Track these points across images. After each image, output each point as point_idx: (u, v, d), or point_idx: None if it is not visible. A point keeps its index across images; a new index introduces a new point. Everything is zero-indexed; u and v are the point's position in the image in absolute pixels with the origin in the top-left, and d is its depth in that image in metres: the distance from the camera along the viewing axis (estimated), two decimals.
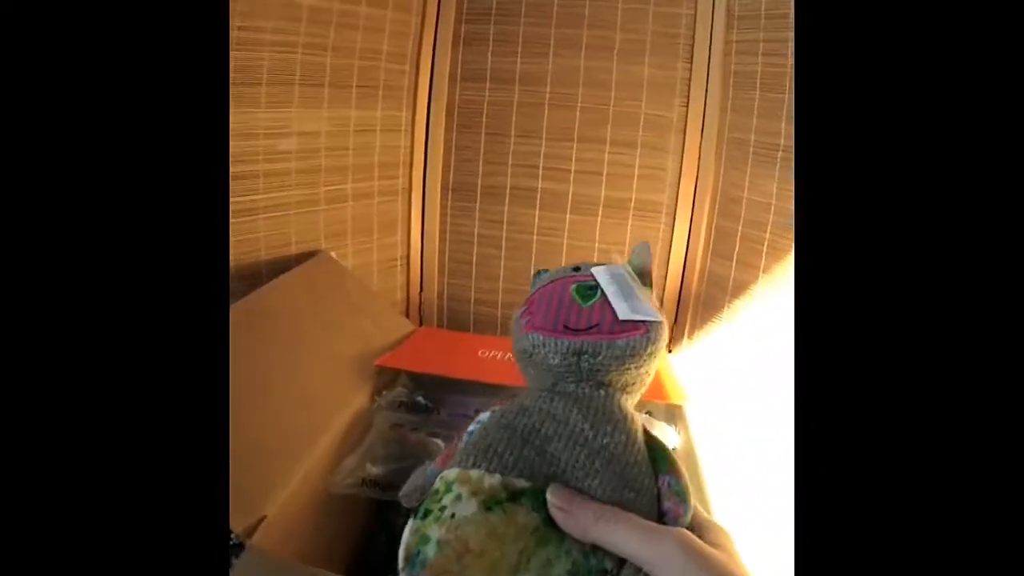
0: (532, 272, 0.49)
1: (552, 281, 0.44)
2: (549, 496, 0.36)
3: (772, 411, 0.76)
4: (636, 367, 0.40)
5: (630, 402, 0.42)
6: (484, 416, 0.43)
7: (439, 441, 0.74)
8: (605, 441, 0.38)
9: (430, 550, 0.35)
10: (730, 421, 0.78)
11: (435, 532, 0.36)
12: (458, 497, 0.37)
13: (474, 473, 0.37)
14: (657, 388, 0.79)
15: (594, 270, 0.43)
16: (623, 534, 0.35)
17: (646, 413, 0.81)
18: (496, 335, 1.03)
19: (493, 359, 0.84)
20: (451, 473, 0.38)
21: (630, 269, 0.45)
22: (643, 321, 0.41)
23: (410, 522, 0.38)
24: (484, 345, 0.88)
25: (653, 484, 0.39)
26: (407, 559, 0.36)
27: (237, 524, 0.54)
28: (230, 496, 0.54)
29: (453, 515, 0.36)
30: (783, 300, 0.88)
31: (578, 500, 0.36)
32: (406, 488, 0.42)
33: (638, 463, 0.39)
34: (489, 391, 0.79)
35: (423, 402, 0.80)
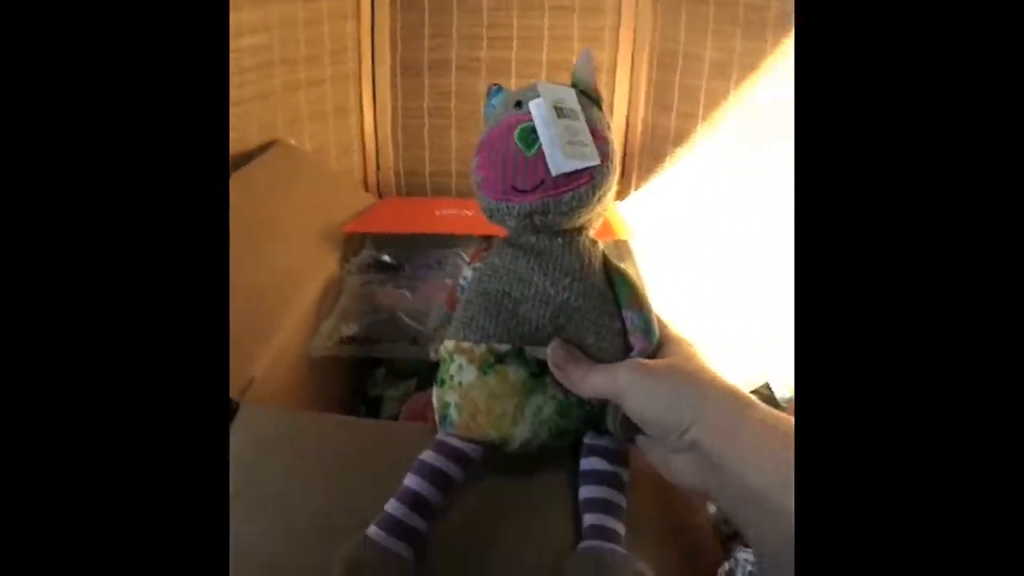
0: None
1: (498, 122, 0.44)
2: (549, 353, 0.42)
3: (709, 250, 0.82)
4: (588, 212, 0.43)
5: (589, 234, 0.46)
6: (469, 273, 0.48)
7: (406, 292, 0.79)
8: (566, 296, 0.43)
9: (453, 413, 0.44)
10: (673, 255, 0.85)
11: (452, 398, 0.44)
12: (460, 367, 0.44)
13: (465, 344, 0.44)
14: (604, 227, 0.84)
15: (531, 105, 0.43)
16: (593, 383, 0.41)
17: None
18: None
19: (451, 216, 0.90)
20: (449, 344, 0.45)
21: (573, 92, 0.45)
22: (586, 168, 0.42)
23: (434, 389, 0.46)
24: (442, 206, 0.93)
25: (615, 320, 0.44)
26: (440, 420, 0.45)
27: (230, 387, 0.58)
28: None
29: (460, 383, 0.44)
30: (716, 145, 0.94)
31: (572, 361, 0.42)
32: (431, 324, 0.52)
33: (597, 308, 0.44)
34: (449, 243, 0.85)
35: (389, 261, 0.85)
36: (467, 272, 0.49)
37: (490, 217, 0.45)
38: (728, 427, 0.36)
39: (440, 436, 0.44)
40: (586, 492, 0.42)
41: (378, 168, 1.15)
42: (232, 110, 0.95)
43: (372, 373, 0.83)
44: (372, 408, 0.80)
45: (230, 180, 0.86)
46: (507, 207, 0.43)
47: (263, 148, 0.98)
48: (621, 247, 0.84)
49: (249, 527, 0.44)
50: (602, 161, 0.42)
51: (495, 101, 0.48)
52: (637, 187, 1.05)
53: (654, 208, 0.96)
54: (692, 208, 0.94)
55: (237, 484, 0.46)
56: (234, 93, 0.95)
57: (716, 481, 0.37)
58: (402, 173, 1.15)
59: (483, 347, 0.43)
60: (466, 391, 0.43)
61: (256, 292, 0.71)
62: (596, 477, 0.43)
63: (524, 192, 0.42)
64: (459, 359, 0.44)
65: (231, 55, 0.94)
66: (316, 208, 0.92)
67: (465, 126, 1.10)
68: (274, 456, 0.50)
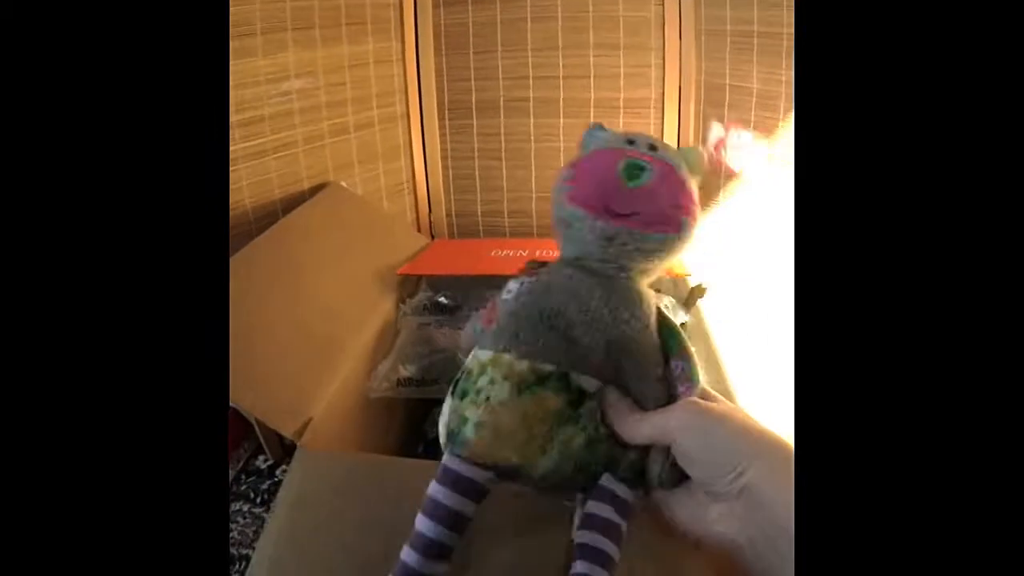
0: (586, 128, 0.47)
1: (605, 147, 0.43)
2: (605, 395, 0.40)
3: (772, 285, 0.81)
4: (660, 260, 0.42)
5: (646, 282, 0.44)
6: (514, 286, 0.45)
7: None
8: (623, 328, 0.41)
9: (469, 431, 0.39)
10: (733, 292, 0.84)
11: (472, 414, 0.39)
12: (492, 380, 0.40)
13: (506, 357, 0.40)
14: None
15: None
16: (645, 427, 0.39)
17: (655, 291, 0.85)
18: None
19: (506, 257, 0.89)
20: (484, 354, 0.41)
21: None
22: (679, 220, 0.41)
23: (448, 400, 0.42)
24: (496, 247, 0.93)
25: (659, 367, 0.42)
26: (448, 436, 0.41)
27: (287, 428, 0.57)
28: (277, 405, 0.59)
29: (488, 398, 0.39)
30: (768, 176, 0.93)
31: (625, 402, 0.40)
32: (464, 344, 0.47)
33: (646, 353, 0.42)
34: (505, 283, 0.84)
35: (446, 302, 0.84)
36: (512, 285, 0.46)
37: (567, 227, 0.42)
38: (787, 473, 0.34)
39: (448, 462, 0.40)
40: (583, 537, 0.39)
41: (430, 210, 1.16)
42: (281, 153, 0.97)
43: (431, 414, 0.82)
44: (431, 449, 0.79)
45: (282, 222, 0.88)
46: (592, 223, 0.41)
47: (314, 191, 1.00)
48: (680, 284, 0.83)
49: (303, 567, 0.43)
50: (692, 224, 0.42)
51: (597, 137, 0.45)
52: None
53: (709, 244, 0.95)
54: (747, 242, 0.93)
55: (294, 525, 0.46)
56: (283, 136, 0.97)
57: (758, 531, 0.35)
58: (454, 214, 1.16)
59: (525, 364, 0.40)
60: (493, 408, 0.39)
61: (313, 334, 0.71)
62: (599, 524, 0.39)
63: (618, 215, 0.40)
64: (493, 372, 0.40)
65: (279, 99, 0.96)
66: (370, 250, 0.92)
67: (515, 164, 1.11)
68: (330, 498, 0.48)
